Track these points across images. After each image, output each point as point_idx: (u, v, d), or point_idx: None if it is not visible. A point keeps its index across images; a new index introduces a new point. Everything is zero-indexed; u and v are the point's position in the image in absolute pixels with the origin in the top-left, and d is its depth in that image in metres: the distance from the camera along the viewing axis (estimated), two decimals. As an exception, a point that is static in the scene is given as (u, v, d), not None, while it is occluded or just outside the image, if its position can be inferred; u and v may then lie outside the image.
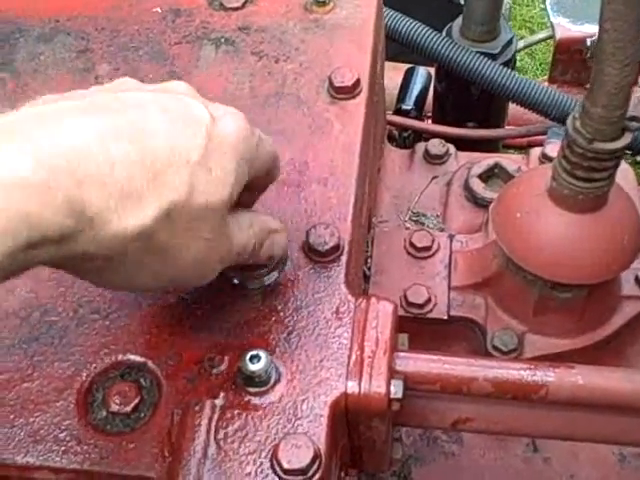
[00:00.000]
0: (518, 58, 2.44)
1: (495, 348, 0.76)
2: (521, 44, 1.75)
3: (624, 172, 0.88)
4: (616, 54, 0.57)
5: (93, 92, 0.53)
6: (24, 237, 0.42)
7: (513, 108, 1.23)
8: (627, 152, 1.19)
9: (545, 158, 0.91)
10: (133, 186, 0.46)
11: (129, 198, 0.46)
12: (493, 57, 1.10)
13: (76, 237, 0.45)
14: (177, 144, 0.49)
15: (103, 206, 0.45)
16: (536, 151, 0.94)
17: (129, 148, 0.47)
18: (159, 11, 0.81)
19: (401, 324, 0.64)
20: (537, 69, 2.50)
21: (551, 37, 1.54)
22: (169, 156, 0.48)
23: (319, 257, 0.63)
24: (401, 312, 0.77)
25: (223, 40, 0.79)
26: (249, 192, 0.58)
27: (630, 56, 0.57)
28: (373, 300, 0.61)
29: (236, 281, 0.62)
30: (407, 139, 1.17)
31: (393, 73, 1.21)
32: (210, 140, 0.50)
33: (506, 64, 1.11)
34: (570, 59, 1.46)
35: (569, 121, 0.64)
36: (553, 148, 0.92)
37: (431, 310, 0.78)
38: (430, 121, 1.27)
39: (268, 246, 0.59)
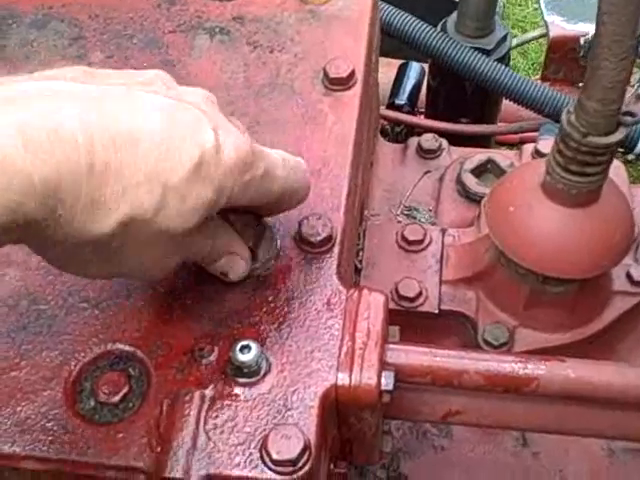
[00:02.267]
0: (510, 57, 2.45)
1: (486, 342, 0.76)
2: (514, 42, 1.75)
3: (616, 169, 0.87)
4: (613, 48, 0.57)
5: (109, 76, 0.53)
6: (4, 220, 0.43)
7: (506, 105, 1.23)
8: (619, 150, 1.20)
9: (538, 154, 0.91)
10: (102, 194, 0.46)
11: (95, 205, 0.46)
12: (487, 53, 1.10)
13: (37, 227, 0.45)
14: (163, 162, 0.48)
15: (71, 207, 0.45)
16: (529, 147, 0.94)
17: (112, 157, 0.46)
18: (153, -1, 0.80)
19: (392, 317, 0.63)
20: (530, 68, 2.50)
21: (544, 36, 1.54)
22: (149, 173, 0.48)
23: (311, 248, 0.63)
24: (392, 305, 0.77)
25: (218, 30, 0.78)
26: (260, 210, 0.60)
27: (626, 50, 0.57)
28: (365, 291, 0.61)
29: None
30: (400, 134, 1.17)
31: (386, 68, 1.20)
32: (200, 166, 0.49)
33: (500, 60, 1.11)
34: (563, 58, 1.46)
35: (564, 115, 0.64)
36: (546, 144, 0.91)
37: (422, 304, 0.78)
38: (423, 117, 1.27)
39: (222, 264, 0.59)
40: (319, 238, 0.62)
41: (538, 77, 1.54)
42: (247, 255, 0.60)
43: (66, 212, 0.46)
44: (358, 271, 0.80)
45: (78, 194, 0.45)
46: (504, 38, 1.14)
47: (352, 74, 0.73)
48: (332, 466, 0.63)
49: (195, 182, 0.49)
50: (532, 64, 2.50)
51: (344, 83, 0.73)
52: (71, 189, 0.45)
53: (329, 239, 0.63)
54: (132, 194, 0.47)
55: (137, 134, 0.48)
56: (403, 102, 1.19)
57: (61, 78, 0.50)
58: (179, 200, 0.49)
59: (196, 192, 0.49)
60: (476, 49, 1.08)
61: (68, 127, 0.45)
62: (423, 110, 1.29)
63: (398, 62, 1.31)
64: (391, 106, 1.19)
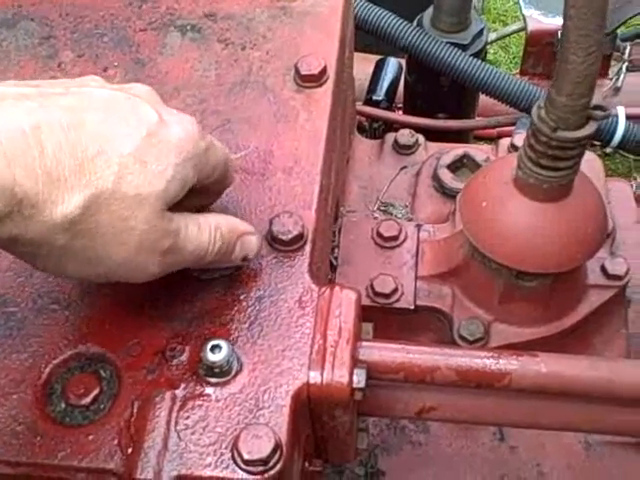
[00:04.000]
0: (492, 51, 2.45)
1: (462, 338, 0.76)
2: (494, 36, 1.75)
3: (591, 162, 0.88)
4: (580, 42, 0.57)
5: (51, 82, 0.55)
6: None
7: (483, 99, 1.24)
8: (596, 144, 1.20)
9: (514, 148, 0.92)
10: (60, 173, 0.47)
11: (55, 184, 0.47)
12: (463, 48, 1.10)
13: (4, 219, 0.46)
14: (113, 136, 0.50)
15: (32, 190, 0.46)
16: (505, 141, 0.95)
17: (61, 137, 0.48)
18: (124, -3, 0.80)
19: (368, 314, 0.63)
20: (510, 62, 2.51)
21: (523, 29, 1.55)
22: (101, 146, 0.49)
23: (282, 246, 0.63)
24: (368, 302, 0.77)
25: (189, 27, 0.78)
26: (205, 196, 0.60)
27: (594, 44, 0.57)
28: (336, 289, 0.61)
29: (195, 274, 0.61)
30: (377, 130, 1.16)
31: (363, 64, 1.20)
32: (150, 137, 0.51)
33: (476, 55, 1.11)
34: (541, 52, 1.47)
35: (534, 110, 0.64)
36: (521, 138, 0.91)
37: (398, 300, 0.78)
38: (401, 112, 1.27)
39: (240, 248, 0.59)
40: (290, 236, 0.62)
41: (518, 71, 1.55)
42: (252, 228, 0.60)
43: (26, 195, 0.46)
44: (333, 268, 0.80)
45: (34, 175, 0.46)
46: (480, 33, 1.14)
47: (324, 71, 0.73)
48: (307, 464, 0.63)
49: (151, 148, 0.51)
50: (513, 58, 2.50)
51: (316, 80, 0.72)
52: (25, 172, 0.46)
53: (300, 237, 0.63)
54: (89, 168, 0.48)
55: (83, 114, 0.50)
56: (380, 98, 1.19)
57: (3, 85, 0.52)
58: (140, 165, 0.50)
59: (155, 156, 0.51)
60: (452, 44, 1.08)
61: (13, 121, 0.47)
62: (401, 106, 1.29)
63: (375, 58, 1.31)
64: (369, 102, 1.18)
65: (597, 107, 0.63)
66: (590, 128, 0.63)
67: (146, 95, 0.56)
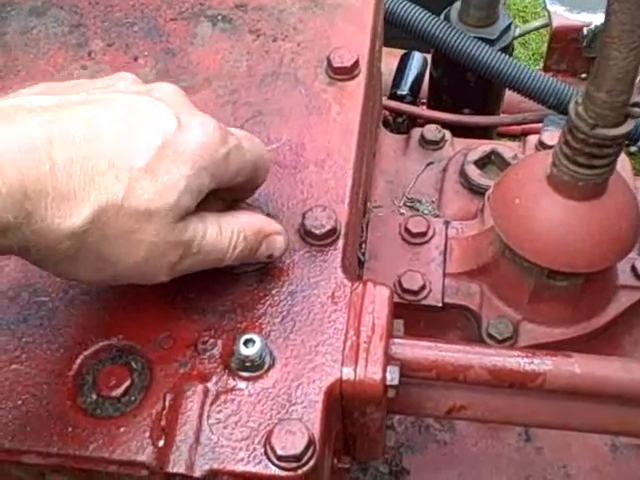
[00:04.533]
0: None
1: (490, 336, 0.75)
2: (517, 32, 1.73)
3: (621, 162, 0.87)
4: (623, 38, 0.56)
5: (77, 84, 0.55)
6: None
7: (508, 96, 1.22)
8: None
9: (542, 146, 0.91)
10: (70, 188, 0.48)
11: (65, 199, 0.48)
12: (491, 42, 1.09)
13: (14, 231, 0.47)
14: (125, 149, 0.50)
15: (41, 204, 0.47)
16: (533, 138, 0.94)
17: (73, 152, 0.48)
18: (154, -14, 0.79)
19: (395, 311, 0.63)
20: (530, 59, 2.49)
21: (546, 26, 1.53)
22: (113, 160, 0.49)
23: (315, 240, 0.62)
24: (395, 298, 0.75)
25: (220, 17, 0.77)
26: (236, 192, 0.59)
27: (637, 40, 0.56)
28: (369, 285, 0.60)
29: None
30: (402, 125, 1.15)
31: (388, 58, 1.19)
32: (164, 148, 0.51)
33: (504, 50, 1.10)
34: (566, 48, 1.45)
35: (571, 106, 0.63)
36: (550, 136, 0.91)
37: (426, 297, 0.77)
38: (425, 107, 1.26)
39: (265, 248, 0.58)
40: (323, 230, 0.62)
41: (539, 67, 1.53)
42: (279, 228, 0.59)
43: (36, 209, 0.47)
44: (361, 264, 0.79)
45: (45, 190, 0.47)
46: (508, 27, 1.13)
47: (356, 63, 0.72)
48: (335, 461, 0.62)
49: (163, 161, 0.50)
50: (532, 54, 2.48)
51: (348, 72, 0.72)
52: (35, 186, 0.47)
53: (333, 231, 0.62)
54: (99, 182, 0.49)
55: (96, 128, 0.49)
56: (405, 93, 1.18)
57: (24, 95, 0.52)
58: (150, 179, 0.50)
59: (166, 169, 0.50)
60: (480, 39, 1.07)
61: (26, 135, 0.47)
62: (425, 101, 1.28)
63: (400, 52, 1.30)
64: (393, 96, 1.17)
65: (636, 104, 0.62)
66: (628, 126, 0.62)
67: (170, 97, 0.55)
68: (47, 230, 0.48)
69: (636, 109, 0.62)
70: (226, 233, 0.55)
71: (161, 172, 0.50)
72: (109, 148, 0.49)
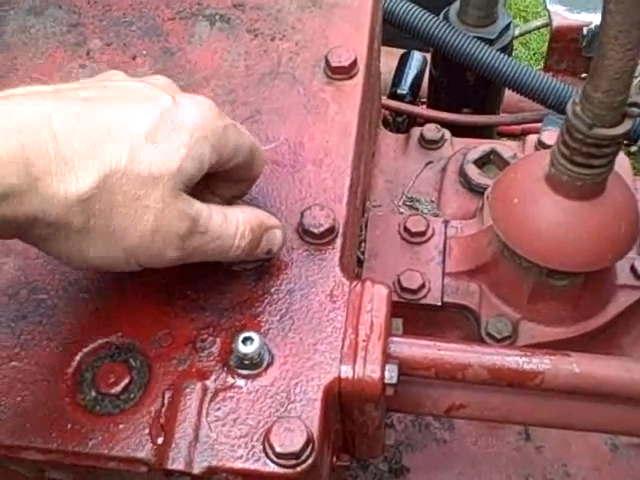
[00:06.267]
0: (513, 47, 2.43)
1: (489, 335, 0.75)
2: (516, 32, 1.73)
3: (620, 161, 0.87)
4: (619, 38, 0.56)
5: (70, 84, 0.56)
6: None
7: (507, 96, 1.22)
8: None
9: (541, 145, 0.90)
10: (73, 154, 0.49)
11: (69, 165, 0.49)
12: (490, 42, 1.09)
13: (21, 197, 0.47)
14: (125, 120, 0.51)
15: (46, 170, 0.48)
16: (532, 138, 0.93)
17: (74, 123, 0.50)
18: (153, -14, 0.79)
19: (394, 309, 0.63)
20: (531, 58, 2.49)
21: (546, 25, 1.53)
22: (113, 129, 0.51)
23: (314, 239, 0.62)
24: (394, 297, 0.76)
25: (218, 17, 0.77)
26: (232, 185, 0.59)
27: (633, 40, 0.56)
28: (368, 284, 0.60)
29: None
30: (401, 124, 1.16)
31: (387, 58, 1.19)
32: (163, 118, 0.52)
33: (503, 50, 1.10)
34: (566, 48, 1.45)
35: (569, 106, 0.63)
36: (549, 135, 0.91)
37: (425, 296, 0.77)
38: (425, 107, 1.26)
39: (265, 242, 0.59)
40: (322, 229, 0.62)
41: (540, 67, 1.53)
42: (278, 222, 0.60)
43: (42, 175, 0.48)
44: (360, 263, 0.79)
45: (47, 156, 0.48)
46: (507, 27, 1.13)
47: (354, 63, 0.72)
48: (334, 459, 0.62)
49: (164, 127, 0.52)
50: (534, 54, 2.49)
51: (346, 72, 0.72)
52: (38, 153, 0.48)
53: (331, 230, 0.62)
54: (101, 148, 0.50)
55: (93, 104, 0.51)
56: (405, 92, 1.18)
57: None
58: (151, 145, 0.51)
59: (167, 136, 0.52)
60: (479, 38, 1.07)
61: (23, 112, 0.49)
62: (425, 100, 1.28)
63: (399, 51, 1.30)
64: (393, 96, 1.18)
65: (633, 104, 0.62)
66: (626, 125, 0.62)
67: (164, 84, 0.57)
68: (55, 197, 0.48)
69: (634, 109, 0.62)
70: (232, 222, 0.56)
71: (162, 139, 0.51)
72: (109, 119, 0.51)
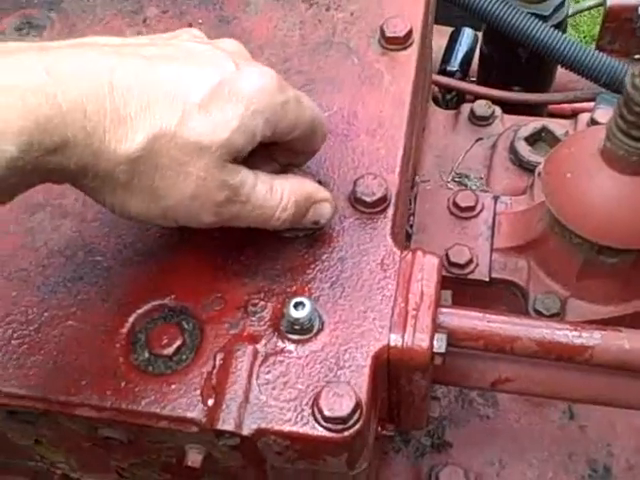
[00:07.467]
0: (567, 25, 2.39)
1: (537, 312, 0.75)
2: (570, 11, 1.70)
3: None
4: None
5: (142, 37, 0.58)
6: (36, 139, 0.46)
7: (558, 76, 1.20)
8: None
9: (594, 124, 0.89)
10: (127, 113, 0.49)
11: (122, 123, 0.49)
12: (544, 19, 1.07)
13: (75, 149, 0.48)
14: (182, 84, 0.51)
15: (100, 125, 0.49)
16: (584, 116, 0.92)
17: (132, 80, 0.50)
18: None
19: (442, 284, 0.63)
20: (581, 41, 2.44)
21: (599, 5, 1.50)
22: (168, 92, 0.51)
23: (366, 208, 0.62)
24: (442, 272, 0.76)
25: (273, -14, 0.77)
26: (291, 154, 0.59)
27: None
28: (419, 253, 0.60)
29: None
30: (450, 101, 1.14)
31: (436, 36, 1.18)
32: (220, 86, 0.52)
33: (557, 27, 1.08)
34: (620, 27, 1.42)
35: (628, 78, 0.62)
36: (602, 114, 0.89)
37: (473, 271, 0.77)
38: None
39: (312, 214, 0.59)
40: (374, 198, 0.62)
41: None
42: (328, 195, 0.60)
43: (95, 131, 0.48)
44: (408, 236, 0.79)
45: (103, 111, 0.49)
46: (562, 4, 1.11)
47: (409, 34, 0.72)
48: (380, 428, 0.63)
49: (218, 99, 0.52)
50: (584, 37, 2.44)
51: (401, 42, 0.71)
52: (94, 107, 0.48)
53: (384, 199, 0.62)
54: (154, 110, 0.50)
55: (156, 64, 0.52)
56: (455, 69, 1.17)
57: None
58: (203, 114, 0.51)
59: (220, 107, 0.52)
60: (533, 14, 1.05)
61: (90, 61, 0.50)
62: (474, 79, 1.27)
63: (448, 30, 1.28)
64: (443, 73, 1.16)
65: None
66: (687, 99, 0.61)
67: (232, 48, 0.57)
68: (105, 152, 0.49)
69: (696, 82, 0.60)
70: (276, 193, 0.56)
71: (215, 109, 0.51)
72: (167, 81, 0.51)
